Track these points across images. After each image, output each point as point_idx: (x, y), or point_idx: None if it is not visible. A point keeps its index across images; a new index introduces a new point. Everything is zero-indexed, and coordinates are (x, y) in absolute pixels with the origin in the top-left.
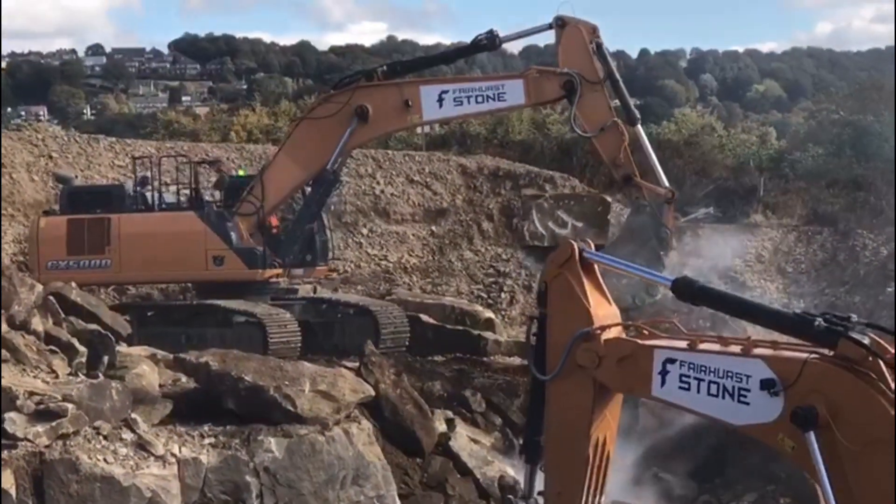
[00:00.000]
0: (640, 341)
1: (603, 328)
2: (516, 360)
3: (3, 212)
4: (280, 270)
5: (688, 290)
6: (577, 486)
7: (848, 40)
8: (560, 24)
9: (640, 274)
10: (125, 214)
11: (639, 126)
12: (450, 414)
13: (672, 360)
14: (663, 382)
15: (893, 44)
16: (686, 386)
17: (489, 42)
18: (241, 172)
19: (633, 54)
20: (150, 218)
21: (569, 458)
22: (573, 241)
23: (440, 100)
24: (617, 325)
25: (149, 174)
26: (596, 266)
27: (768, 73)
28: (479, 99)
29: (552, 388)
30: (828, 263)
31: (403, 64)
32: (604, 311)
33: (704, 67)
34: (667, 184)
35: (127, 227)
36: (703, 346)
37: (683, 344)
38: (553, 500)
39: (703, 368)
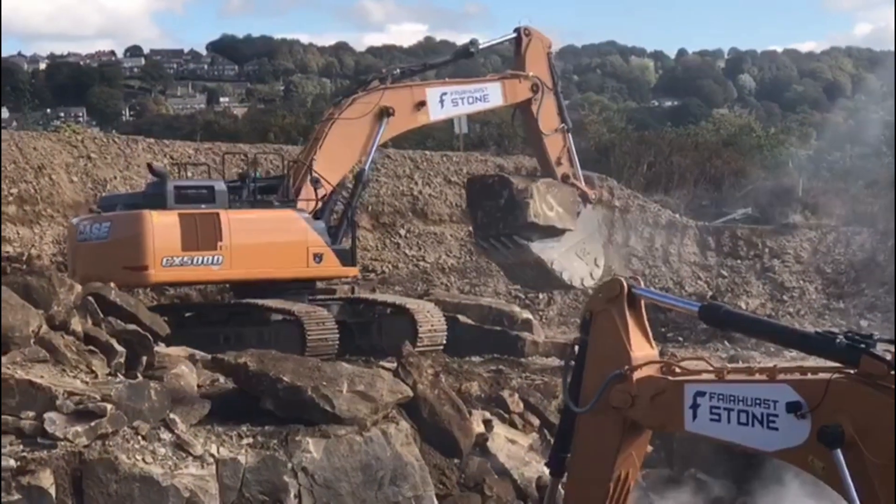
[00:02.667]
0: (670, 378)
1: (635, 368)
2: (554, 361)
3: (42, 213)
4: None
5: (714, 316)
6: None
7: (887, 40)
8: (527, 33)
9: (676, 305)
10: (231, 210)
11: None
12: (487, 415)
13: (702, 393)
14: (695, 416)
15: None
16: (717, 417)
17: (466, 52)
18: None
19: (672, 55)
20: (254, 215)
21: (590, 488)
22: (623, 279)
23: (441, 101)
24: (649, 363)
25: (252, 171)
26: (643, 302)
27: (807, 73)
28: (470, 100)
29: (583, 421)
30: (867, 264)
31: (408, 69)
32: (642, 352)
33: (743, 68)
34: (585, 187)
35: (236, 224)
36: (730, 376)
37: (712, 376)
38: None
39: (732, 398)
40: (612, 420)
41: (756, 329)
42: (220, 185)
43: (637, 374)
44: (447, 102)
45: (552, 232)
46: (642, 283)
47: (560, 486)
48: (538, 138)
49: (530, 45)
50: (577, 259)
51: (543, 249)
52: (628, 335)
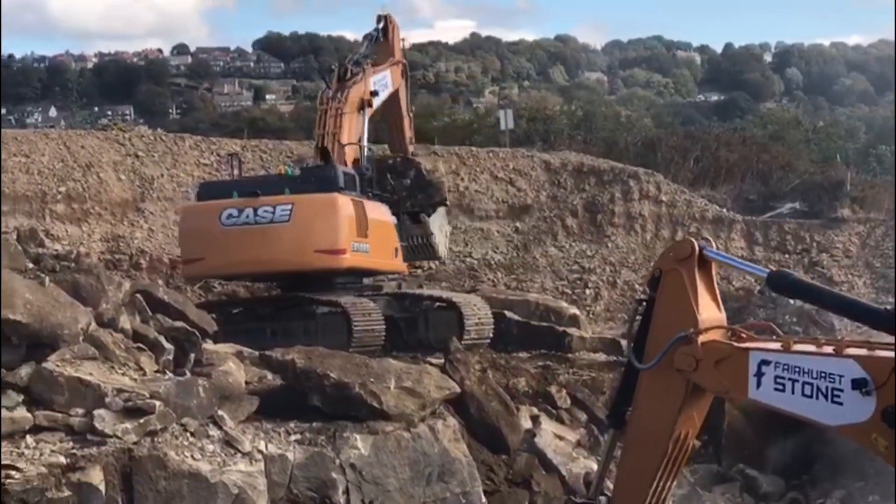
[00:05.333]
0: (736, 344)
1: (701, 331)
2: (601, 357)
3: (90, 210)
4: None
5: (782, 283)
6: (650, 470)
7: None
8: (390, 20)
9: (746, 269)
10: (366, 200)
11: None
12: (535, 410)
13: (767, 362)
14: (759, 384)
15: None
16: (781, 388)
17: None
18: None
19: (718, 49)
20: (370, 205)
21: (649, 445)
22: (695, 240)
23: (385, 86)
24: (715, 328)
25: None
26: (713, 264)
27: (855, 66)
28: (383, 87)
29: (645, 377)
30: None
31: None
32: (710, 315)
33: (790, 61)
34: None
35: (371, 213)
36: (796, 347)
37: (778, 346)
38: (626, 474)
39: (797, 369)
40: (675, 380)
41: (823, 299)
42: (349, 173)
43: (703, 338)
44: (381, 93)
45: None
46: (714, 246)
47: (620, 437)
48: (400, 120)
49: (395, 32)
50: (440, 232)
51: (431, 224)
52: (696, 297)
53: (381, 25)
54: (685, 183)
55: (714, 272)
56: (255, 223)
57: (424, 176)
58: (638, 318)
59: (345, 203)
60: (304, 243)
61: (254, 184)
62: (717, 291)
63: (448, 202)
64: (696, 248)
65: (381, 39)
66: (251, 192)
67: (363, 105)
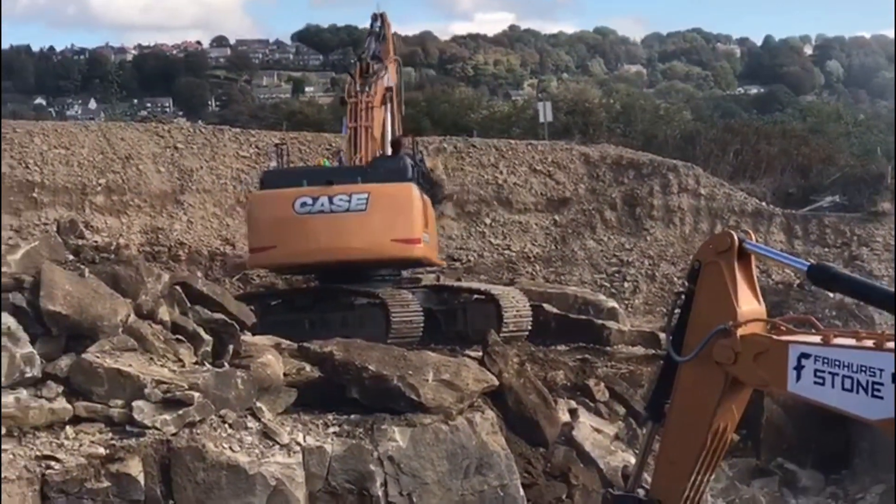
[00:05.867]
0: (775, 337)
1: (740, 324)
2: (639, 350)
3: (129, 202)
4: None
5: (823, 275)
6: (689, 462)
7: None
8: (384, 19)
9: (786, 262)
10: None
11: None
12: (573, 403)
13: (807, 356)
14: (798, 378)
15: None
16: (821, 381)
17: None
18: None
19: (758, 41)
20: (426, 197)
21: (688, 437)
22: (734, 232)
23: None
24: (754, 321)
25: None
26: (752, 257)
27: None
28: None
29: (684, 370)
30: None
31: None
32: (749, 308)
33: (830, 54)
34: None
35: (426, 205)
36: (836, 340)
37: (818, 339)
38: (665, 466)
39: (837, 363)
40: (713, 373)
41: (864, 292)
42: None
43: (742, 331)
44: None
45: None
46: (754, 238)
47: (658, 430)
48: (395, 116)
49: (389, 30)
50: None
51: None
52: (736, 290)
53: (378, 23)
54: (724, 176)
55: (754, 265)
56: (331, 211)
57: (428, 175)
58: (677, 310)
59: (418, 193)
60: (381, 232)
61: (325, 172)
62: (757, 284)
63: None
64: (736, 241)
65: (384, 37)
66: (325, 180)
67: (385, 99)
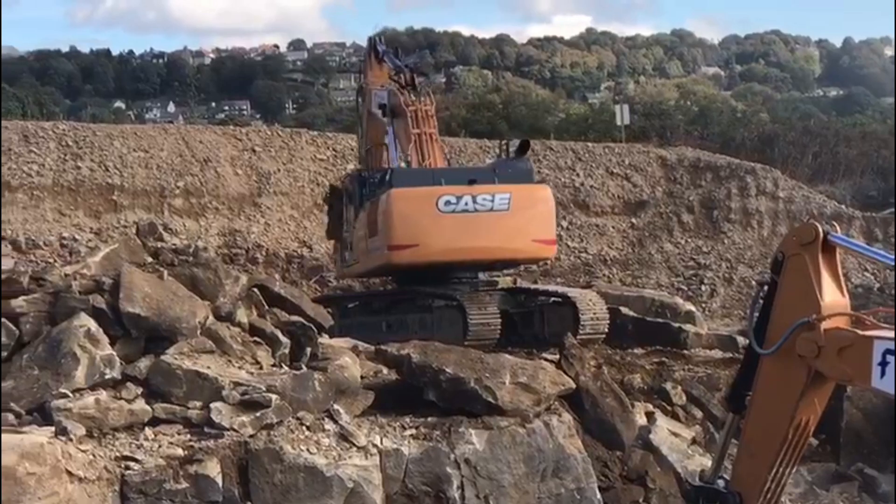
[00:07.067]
0: (860, 332)
1: (824, 318)
2: (717, 353)
3: (207, 205)
4: None
5: None
6: (770, 456)
7: None
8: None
9: (873, 256)
10: None
11: None
12: (650, 407)
13: (892, 351)
14: (882, 373)
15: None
16: None
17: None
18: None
19: (838, 43)
20: None
21: (768, 431)
22: (819, 224)
23: None
24: (838, 314)
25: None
26: (838, 250)
27: None
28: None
29: (766, 362)
30: None
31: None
32: (833, 301)
33: None
34: None
35: None
36: None
37: None
38: (745, 459)
39: None
40: (796, 366)
41: None
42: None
43: (825, 324)
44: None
45: None
46: (839, 230)
47: (740, 421)
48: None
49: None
50: None
51: None
52: (820, 282)
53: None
54: (803, 179)
55: (838, 258)
56: (475, 211)
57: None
58: (759, 301)
59: (550, 194)
60: (523, 232)
61: (460, 172)
62: (842, 277)
63: None
64: (821, 232)
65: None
66: (468, 179)
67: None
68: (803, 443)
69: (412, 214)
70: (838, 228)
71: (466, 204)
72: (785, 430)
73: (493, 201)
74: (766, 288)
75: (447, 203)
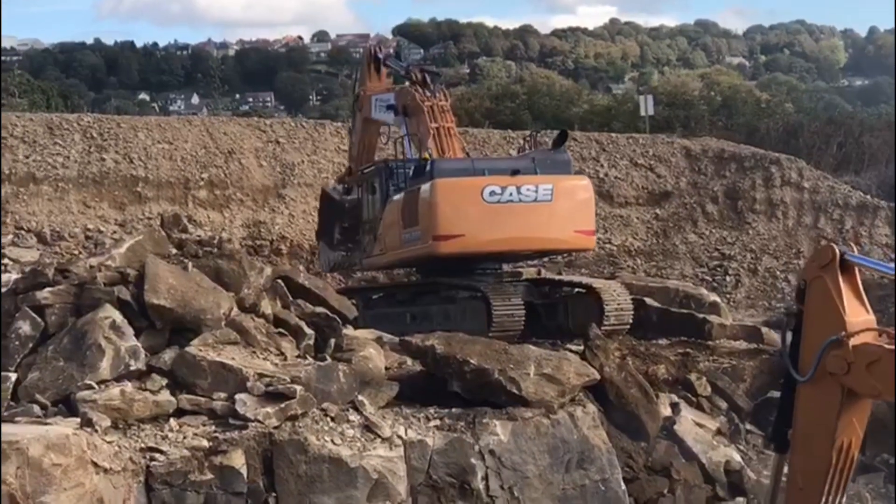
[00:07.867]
0: (887, 346)
1: (851, 334)
2: (742, 344)
3: (232, 197)
4: None
5: None
6: (818, 485)
7: None
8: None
9: (889, 273)
10: None
11: None
12: (674, 398)
13: None
14: None
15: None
16: None
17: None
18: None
19: (863, 33)
20: None
21: (812, 458)
22: (835, 245)
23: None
24: (865, 330)
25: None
26: (857, 269)
27: None
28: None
29: (803, 390)
30: None
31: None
32: (858, 317)
33: None
34: None
35: None
36: None
37: None
38: (795, 493)
39: None
40: (830, 387)
41: None
42: None
43: (853, 341)
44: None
45: None
46: (855, 250)
47: (786, 460)
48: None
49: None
50: None
51: None
52: (842, 301)
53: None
54: (828, 169)
55: (858, 276)
56: (520, 201)
57: None
58: (789, 332)
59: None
60: (566, 223)
61: (501, 163)
62: (864, 294)
63: None
64: (837, 253)
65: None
66: (511, 169)
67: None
68: (849, 467)
69: (459, 204)
70: (854, 248)
71: (511, 195)
72: (828, 456)
73: (536, 192)
74: (794, 318)
75: (492, 193)
